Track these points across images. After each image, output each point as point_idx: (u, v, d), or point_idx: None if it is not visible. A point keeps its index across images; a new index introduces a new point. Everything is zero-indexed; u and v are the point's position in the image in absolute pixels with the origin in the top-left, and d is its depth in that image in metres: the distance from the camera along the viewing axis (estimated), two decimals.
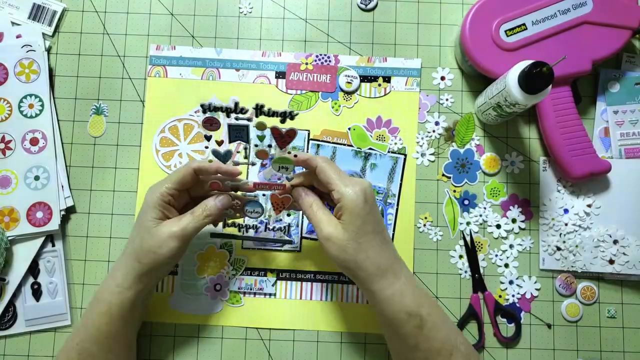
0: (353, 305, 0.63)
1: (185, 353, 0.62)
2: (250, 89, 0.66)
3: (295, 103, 0.66)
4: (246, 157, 0.55)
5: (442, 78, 0.66)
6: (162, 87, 0.66)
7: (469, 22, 0.61)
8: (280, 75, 0.66)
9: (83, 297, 0.63)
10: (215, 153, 0.53)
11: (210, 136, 0.53)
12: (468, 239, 0.64)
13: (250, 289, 0.63)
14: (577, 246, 0.63)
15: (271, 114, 0.50)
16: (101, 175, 0.65)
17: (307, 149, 0.65)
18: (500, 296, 0.63)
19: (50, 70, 0.65)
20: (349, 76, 0.65)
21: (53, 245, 0.63)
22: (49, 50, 0.66)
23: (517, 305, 0.63)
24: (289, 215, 0.64)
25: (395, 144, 0.65)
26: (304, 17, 0.67)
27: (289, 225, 0.62)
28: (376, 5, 0.67)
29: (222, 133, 0.54)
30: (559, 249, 0.63)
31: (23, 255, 0.62)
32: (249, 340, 0.62)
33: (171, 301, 0.63)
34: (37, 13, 0.66)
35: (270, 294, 0.63)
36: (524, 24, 0.61)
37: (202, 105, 0.49)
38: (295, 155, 0.53)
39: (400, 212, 0.64)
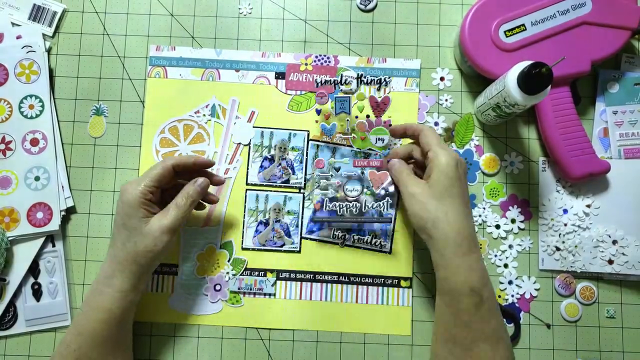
0: (353, 305, 0.63)
1: (185, 353, 0.62)
2: (250, 90, 0.66)
3: (295, 103, 0.66)
4: (346, 130, 0.61)
5: (442, 79, 0.67)
6: (162, 88, 0.66)
7: (468, 22, 0.61)
8: (280, 75, 0.66)
9: (83, 297, 0.63)
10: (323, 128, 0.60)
11: (320, 110, 0.58)
12: None
13: (250, 289, 0.63)
14: (576, 246, 0.63)
15: (368, 81, 0.59)
16: (101, 176, 0.65)
17: (307, 149, 0.65)
18: (499, 296, 0.63)
19: (51, 71, 0.66)
20: (348, 77, 0.65)
21: (53, 246, 0.63)
22: (49, 51, 0.66)
23: (517, 305, 0.63)
24: (288, 213, 0.64)
25: (395, 144, 0.65)
26: (304, 17, 0.67)
27: (388, 201, 0.62)
28: (375, 6, 0.67)
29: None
30: (558, 249, 0.63)
31: (23, 256, 0.62)
32: (249, 341, 0.62)
33: (171, 301, 0.63)
34: (37, 14, 0.66)
35: (270, 294, 0.63)
36: (523, 25, 0.61)
37: (316, 81, 0.56)
38: (390, 125, 0.57)
39: (400, 212, 0.64)
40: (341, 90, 0.56)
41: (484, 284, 0.50)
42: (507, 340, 0.51)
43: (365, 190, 0.63)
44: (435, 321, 0.54)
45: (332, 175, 0.62)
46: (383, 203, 0.61)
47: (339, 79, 0.56)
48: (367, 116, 0.62)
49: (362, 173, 0.63)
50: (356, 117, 0.61)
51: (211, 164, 0.58)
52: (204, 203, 0.62)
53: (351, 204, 0.61)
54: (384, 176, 0.62)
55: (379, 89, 0.65)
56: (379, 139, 0.59)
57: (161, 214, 0.54)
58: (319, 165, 0.62)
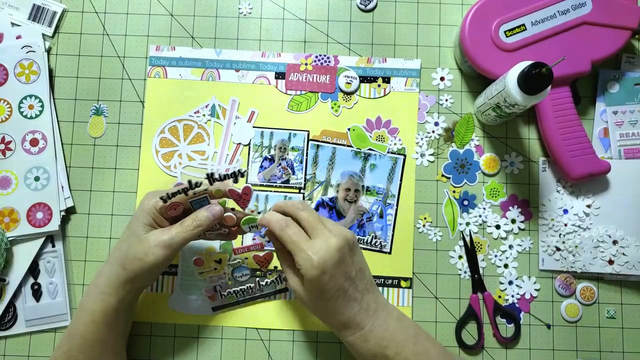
0: None
1: (185, 353, 0.62)
2: (250, 90, 0.66)
3: (295, 103, 0.66)
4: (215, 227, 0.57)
5: (442, 79, 0.66)
6: (162, 88, 0.66)
7: (468, 22, 0.61)
8: (279, 75, 0.66)
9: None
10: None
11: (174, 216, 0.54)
12: (467, 239, 0.64)
13: (251, 290, 0.63)
14: (576, 246, 0.63)
15: (222, 178, 0.51)
16: (101, 176, 0.65)
17: (307, 149, 0.65)
18: (499, 296, 0.63)
19: (50, 71, 0.65)
20: (348, 77, 0.65)
21: (53, 246, 0.63)
22: (48, 51, 0.66)
23: (517, 305, 0.63)
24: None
25: (395, 144, 0.65)
26: (304, 17, 0.67)
27: (278, 278, 0.62)
28: (376, 6, 0.67)
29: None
30: (558, 249, 0.63)
31: (23, 256, 0.62)
32: (249, 341, 0.62)
33: (171, 302, 0.63)
34: (37, 14, 0.66)
35: (270, 295, 0.63)
36: (523, 25, 0.61)
37: (161, 198, 0.51)
38: (259, 212, 0.55)
39: (400, 212, 0.64)
40: (194, 193, 0.52)
41: (385, 345, 0.51)
42: None
43: (253, 272, 0.63)
44: None
45: (215, 269, 0.62)
46: (275, 279, 0.62)
47: (187, 186, 0.51)
48: (232, 209, 0.55)
49: (246, 259, 0.63)
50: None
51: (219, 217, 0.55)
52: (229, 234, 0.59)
53: (245, 287, 0.62)
54: (268, 256, 0.63)
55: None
56: (252, 226, 0.54)
57: (165, 228, 0.53)
58: (197, 263, 0.61)
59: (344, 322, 0.51)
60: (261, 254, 0.62)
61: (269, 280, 0.62)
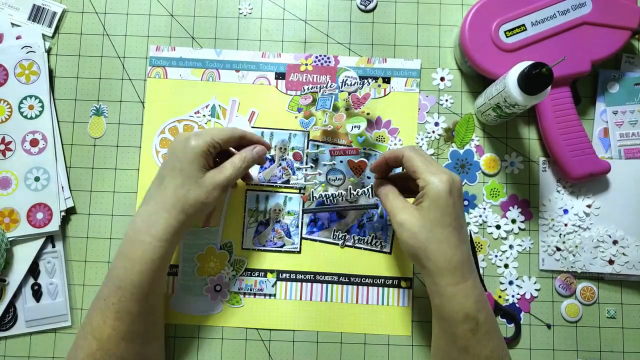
0: (353, 305, 0.63)
1: (185, 353, 0.62)
2: (250, 90, 0.66)
3: (295, 104, 0.66)
4: (324, 122, 0.63)
5: (442, 79, 0.66)
6: (162, 88, 0.66)
7: (468, 22, 0.61)
8: (280, 76, 0.66)
9: (83, 298, 0.63)
10: None
11: (302, 108, 0.59)
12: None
13: (250, 290, 0.63)
14: (576, 246, 0.63)
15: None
16: (101, 176, 0.65)
17: (307, 149, 0.65)
18: (500, 296, 0.63)
19: (50, 72, 0.65)
20: (348, 77, 0.65)
21: (53, 246, 0.63)
22: (48, 51, 0.66)
23: (517, 305, 0.63)
24: (289, 214, 0.64)
25: (395, 144, 0.65)
26: (304, 18, 0.67)
27: (371, 188, 0.60)
28: (376, 6, 0.67)
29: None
30: (558, 249, 0.63)
31: (23, 256, 0.62)
32: (249, 341, 0.62)
33: (171, 302, 0.63)
34: (37, 14, 0.66)
35: (270, 295, 0.63)
36: (523, 25, 0.61)
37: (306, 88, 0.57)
38: (368, 113, 0.56)
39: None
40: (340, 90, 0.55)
41: (479, 308, 0.49)
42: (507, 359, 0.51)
43: (348, 177, 0.64)
44: (432, 345, 0.54)
45: (311, 167, 0.62)
46: (367, 189, 0.59)
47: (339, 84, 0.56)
48: (347, 109, 0.62)
49: (341, 162, 0.64)
50: (335, 111, 0.62)
51: (269, 148, 0.61)
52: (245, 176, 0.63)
53: (337, 192, 0.61)
54: (362, 164, 0.62)
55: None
56: (355, 126, 0.57)
57: (217, 169, 0.54)
58: (296, 157, 0.62)
59: (454, 264, 0.48)
60: (356, 159, 0.62)
61: (360, 190, 0.60)
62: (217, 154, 0.56)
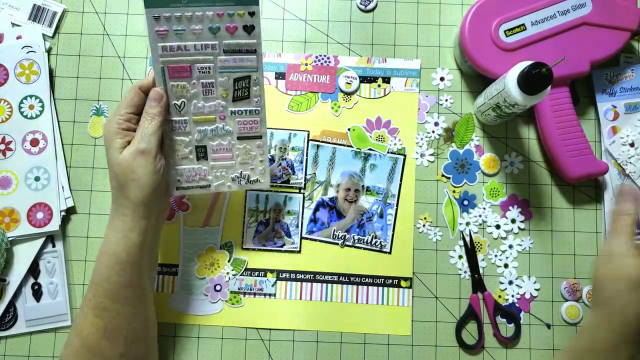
0: (353, 305, 0.63)
1: (185, 353, 0.62)
2: None
3: (295, 104, 0.66)
4: None
5: (442, 79, 0.67)
6: None
7: (468, 22, 0.61)
8: (280, 76, 0.66)
9: (83, 297, 0.63)
10: None
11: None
12: (467, 239, 0.64)
13: (250, 290, 0.63)
14: None
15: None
16: (101, 176, 0.65)
17: (307, 149, 0.65)
18: (499, 296, 0.63)
19: (51, 71, 0.66)
20: (348, 77, 0.65)
21: (53, 246, 0.63)
22: (49, 51, 0.66)
23: (517, 305, 0.63)
24: (289, 213, 0.64)
25: (395, 144, 0.65)
26: (304, 18, 0.67)
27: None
28: (376, 6, 0.67)
29: None
30: None
31: (23, 256, 0.62)
32: (249, 341, 0.62)
33: (171, 301, 0.63)
34: (37, 14, 0.66)
35: (270, 294, 0.63)
36: (523, 25, 0.61)
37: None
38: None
39: (400, 212, 0.64)
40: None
41: None
42: None
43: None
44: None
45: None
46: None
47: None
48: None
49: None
50: None
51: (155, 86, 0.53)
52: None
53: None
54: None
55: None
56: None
57: (131, 140, 0.51)
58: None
59: (628, 334, 0.46)
60: None
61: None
62: None
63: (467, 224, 0.64)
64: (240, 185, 0.57)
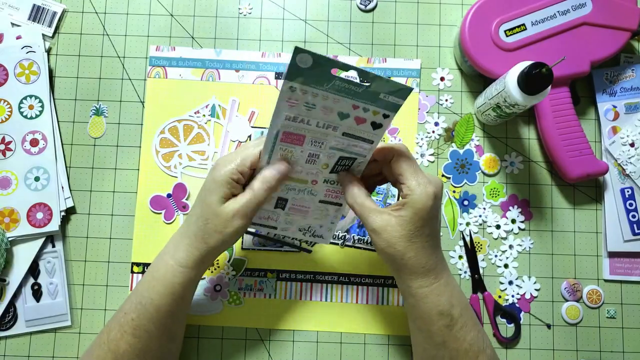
0: (353, 305, 0.63)
1: (185, 353, 0.62)
2: (249, 90, 0.66)
3: None
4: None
5: (442, 79, 0.67)
6: (162, 88, 0.66)
7: (468, 22, 0.61)
8: (280, 76, 0.66)
9: (83, 297, 0.63)
10: None
11: None
12: (467, 239, 0.64)
13: (250, 290, 0.63)
14: None
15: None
16: (101, 176, 0.65)
17: None
18: (499, 296, 0.63)
19: (50, 71, 0.65)
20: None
21: (53, 246, 0.63)
22: (48, 51, 0.66)
23: (517, 305, 0.63)
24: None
25: None
26: (304, 18, 0.67)
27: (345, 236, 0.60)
28: (376, 6, 0.67)
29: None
30: None
31: (23, 256, 0.62)
32: (249, 341, 0.62)
33: None
34: (37, 14, 0.66)
35: (270, 295, 0.63)
36: (523, 25, 0.61)
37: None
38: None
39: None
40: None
41: (453, 304, 0.49)
42: (488, 351, 0.51)
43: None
44: (412, 344, 0.54)
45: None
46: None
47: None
48: None
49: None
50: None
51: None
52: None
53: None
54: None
55: None
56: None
57: (237, 197, 0.50)
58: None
59: (428, 267, 0.48)
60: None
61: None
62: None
63: (467, 224, 0.64)
64: (304, 236, 0.57)
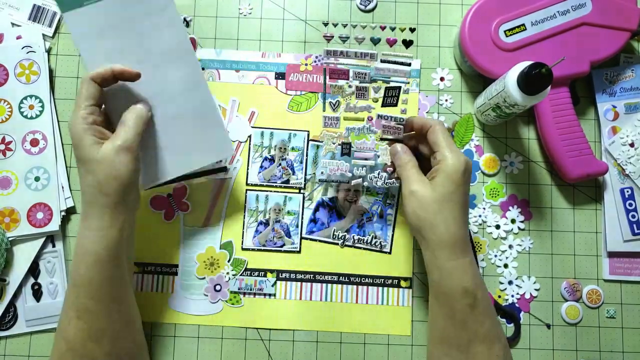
0: (353, 305, 0.63)
1: (185, 353, 0.62)
2: (249, 90, 0.66)
3: (295, 104, 0.66)
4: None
5: (442, 79, 0.67)
6: None
7: (468, 22, 0.61)
8: (279, 76, 0.66)
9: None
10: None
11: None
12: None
13: (250, 290, 0.63)
14: None
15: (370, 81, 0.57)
16: None
17: (307, 149, 0.65)
18: (499, 296, 0.63)
19: (51, 71, 0.66)
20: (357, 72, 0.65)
21: (53, 246, 0.63)
22: (49, 51, 0.66)
23: (517, 305, 0.63)
24: (289, 214, 0.64)
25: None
26: (304, 18, 0.67)
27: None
28: (376, 6, 0.67)
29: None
30: None
31: (23, 256, 0.62)
32: (249, 341, 0.62)
33: (171, 301, 0.63)
34: (37, 14, 0.66)
35: (270, 295, 0.63)
36: (523, 25, 0.61)
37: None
38: (402, 119, 0.56)
39: (400, 212, 0.64)
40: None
41: (478, 285, 0.50)
42: (503, 341, 0.51)
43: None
44: (429, 323, 0.54)
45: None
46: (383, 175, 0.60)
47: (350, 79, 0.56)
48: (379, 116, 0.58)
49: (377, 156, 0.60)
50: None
51: (136, 74, 0.53)
52: None
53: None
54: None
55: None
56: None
57: (112, 136, 0.50)
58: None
59: (456, 239, 0.50)
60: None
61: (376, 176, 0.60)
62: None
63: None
64: (376, 185, 0.60)
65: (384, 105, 0.57)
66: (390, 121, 0.56)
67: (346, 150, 0.60)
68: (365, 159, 0.60)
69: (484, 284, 0.52)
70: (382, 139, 0.59)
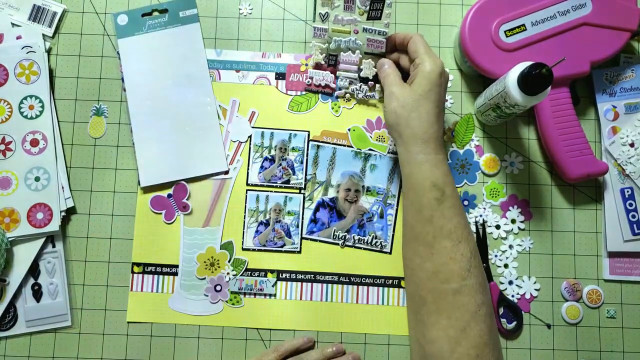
0: (353, 305, 0.63)
1: (185, 353, 0.62)
2: (250, 90, 0.66)
3: (295, 104, 0.66)
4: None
5: None
6: None
7: (468, 22, 0.61)
8: (280, 76, 0.66)
9: (83, 298, 0.63)
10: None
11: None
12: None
13: (251, 290, 0.63)
14: None
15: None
16: (101, 176, 0.65)
17: (307, 149, 0.65)
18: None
19: (51, 72, 0.65)
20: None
21: (53, 246, 0.63)
22: (49, 51, 0.66)
23: (517, 305, 0.63)
24: (289, 214, 0.64)
25: (395, 144, 0.65)
26: (304, 18, 0.67)
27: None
28: None
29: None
30: None
31: (23, 256, 0.62)
32: (249, 341, 0.62)
33: (171, 302, 0.63)
34: (37, 14, 0.66)
35: (270, 295, 0.63)
36: (523, 25, 0.61)
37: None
38: (385, 33, 0.60)
39: (400, 212, 0.64)
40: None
41: (447, 182, 0.53)
42: (472, 244, 0.53)
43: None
44: (403, 225, 0.58)
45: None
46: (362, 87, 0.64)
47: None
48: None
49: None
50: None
51: (311, 343, 0.61)
52: None
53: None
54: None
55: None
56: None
57: None
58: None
59: (429, 135, 0.54)
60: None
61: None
62: None
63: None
64: (358, 97, 0.65)
65: (369, 18, 0.61)
66: (375, 34, 0.61)
67: (332, 61, 0.64)
68: (349, 71, 0.64)
69: (454, 186, 0.54)
70: (366, 53, 0.63)
